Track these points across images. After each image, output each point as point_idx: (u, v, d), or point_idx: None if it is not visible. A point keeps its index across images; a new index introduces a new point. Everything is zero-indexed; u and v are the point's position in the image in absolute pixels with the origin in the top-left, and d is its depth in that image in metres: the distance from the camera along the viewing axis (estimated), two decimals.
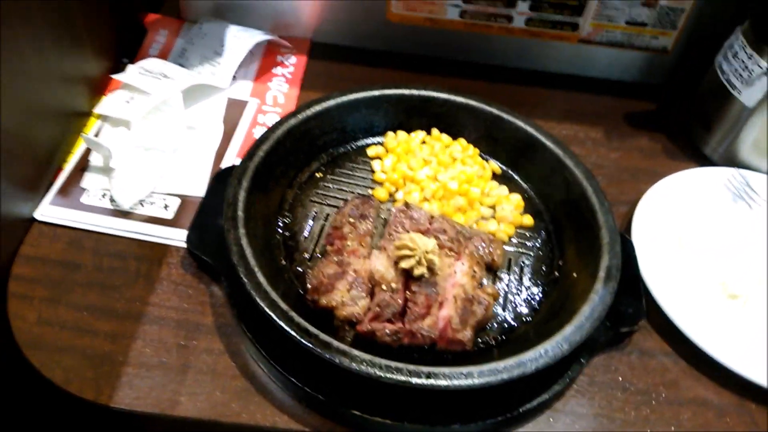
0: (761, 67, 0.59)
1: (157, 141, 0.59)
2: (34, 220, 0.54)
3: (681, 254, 0.56)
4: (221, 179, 0.53)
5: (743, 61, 0.61)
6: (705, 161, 0.66)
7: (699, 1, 0.67)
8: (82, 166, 0.58)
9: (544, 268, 0.53)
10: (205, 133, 0.62)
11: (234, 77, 0.67)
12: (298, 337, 0.41)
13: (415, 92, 0.60)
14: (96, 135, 0.60)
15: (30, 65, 0.51)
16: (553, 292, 0.51)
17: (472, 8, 0.69)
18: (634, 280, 0.51)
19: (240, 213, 0.48)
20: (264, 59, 0.70)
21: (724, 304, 0.53)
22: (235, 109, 0.65)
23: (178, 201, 0.56)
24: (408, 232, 0.49)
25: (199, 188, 0.57)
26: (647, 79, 0.74)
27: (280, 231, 0.53)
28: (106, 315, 0.49)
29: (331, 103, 0.58)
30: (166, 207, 0.56)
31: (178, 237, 0.54)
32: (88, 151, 0.59)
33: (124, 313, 0.49)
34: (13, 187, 0.51)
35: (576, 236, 0.53)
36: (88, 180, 0.57)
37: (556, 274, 0.53)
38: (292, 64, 0.71)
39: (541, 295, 0.51)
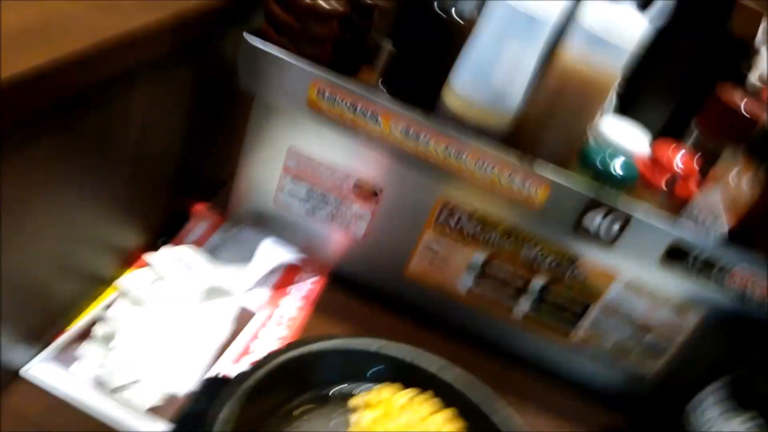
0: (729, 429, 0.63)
1: (164, 330, 0.62)
2: (19, 374, 0.55)
3: None
4: (207, 389, 0.56)
5: (711, 419, 0.65)
6: None
7: (682, 347, 0.73)
8: (84, 333, 0.60)
9: None
10: (208, 334, 0.65)
11: (255, 283, 0.72)
12: None
13: (407, 360, 0.64)
14: (108, 306, 0.63)
15: (77, 227, 0.55)
16: None
17: (479, 291, 0.75)
18: None
19: None
20: (284, 276, 0.76)
21: None
22: (242, 317, 0.69)
23: (160, 394, 0.58)
24: None
25: (185, 386, 0.59)
26: (626, 397, 0.78)
27: None
28: None
29: (329, 345, 0.61)
30: (146, 397, 0.57)
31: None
32: (94, 321, 0.62)
33: None
34: (15, 336, 0.53)
35: None
36: (86, 349, 0.59)
37: None
38: (308, 287, 0.76)
39: None
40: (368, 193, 0.72)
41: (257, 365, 0.57)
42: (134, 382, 0.58)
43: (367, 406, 0.62)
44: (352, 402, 0.62)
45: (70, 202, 0.53)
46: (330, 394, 0.62)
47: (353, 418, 0.61)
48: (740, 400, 0.63)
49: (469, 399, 0.63)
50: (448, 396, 0.64)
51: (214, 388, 0.55)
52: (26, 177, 0.45)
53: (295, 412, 0.60)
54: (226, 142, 0.82)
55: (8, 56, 0.39)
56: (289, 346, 0.60)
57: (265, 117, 0.70)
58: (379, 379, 0.64)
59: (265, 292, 0.73)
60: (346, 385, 0.63)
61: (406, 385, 0.64)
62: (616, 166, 0.62)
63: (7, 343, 0.52)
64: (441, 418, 0.63)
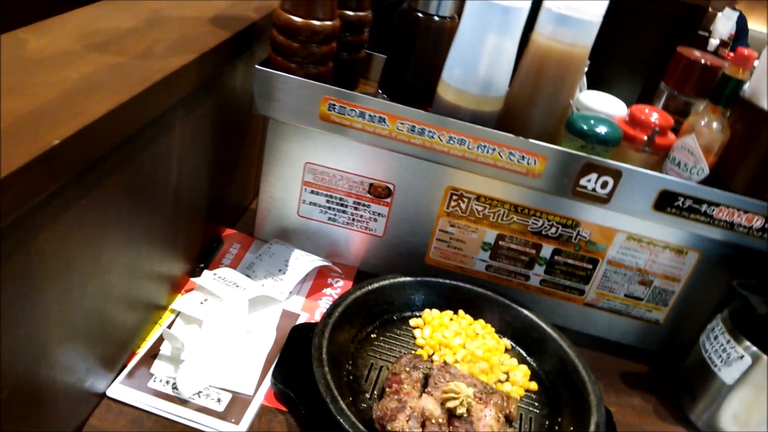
0: (737, 352, 0.70)
1: (221, 340, 0.68)
2: (104, 395, 0.61)
3: None
4: (297, 334, 0.70)
5: (722, 344, 0.72)
6: (690, 426, 0.74)
7: (686, 287, 0.80)
8: (153, 353, 0.66)
9: (547, 423, 0.68)
10: (260, 338, 0.71)
11: (290, 292, 0.78)
12: None
13: (446, 282, 0.80)
14: (169, 327, 0.70)
15: (135, 260, 0.62)
16: None
17: (496, 264, 0.82)
18: None
19: (324, 356, 0.63)
20: (316, 280, 0.82)
21: None
22: (287, 320, 0.75)
23: (229, 396, 0.64)
24: (448, 383, 0.63)
25: (249, 386, 0.65)
26: (642, 344, 0.85)
27: (345, 375, 0.67)
28: None
29: (385, 282, 0.77)
30: (218, 400, 0.63)
31: (225, 430, 0.61)
32: (159, 341, 0.68)
33: None
34: (96, 364, 0.59)
35: (571, 400, 0.69)
36: (157, 367, 0.65)
37: (557, 428, 0.67)
38: (339, 287, 0.82)
39: None
40: (382, 192, 0.79)
41: (336, 304, 0.71)
42: (204, 389, 0.64)
43: (424, 323, 0.77)
44: (412, 322, 0.77)
45: (130, 237, 0.59)
46: (393, 319, 0.77)
47: (417, 333, 0.76)
48: (742, 325, 0.70)
49: (500, 301, 0.79)
50: (482, 307, 0.79)
51: (302, 332, 0.70)
52: (101, 213, 0.51)
53: (372, 335, 0.74)
54: (243, 170, 0.89)
55: (79, 106, 0.45)
56: (355, 288, 0.75)
57: (281, 138, 0.77)
58: (424, 306, 0.79)
59: (302, 297, 0.79)
60: (402, 312, 0.78)
61: (446, 307, 0.79)
62: (602, 130, 0.69)
63: (90, 370, 0.58)
64: (479, 325, 0.77)
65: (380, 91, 0.79)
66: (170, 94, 0.55)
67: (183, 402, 0.62)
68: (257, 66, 0.69)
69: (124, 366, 0.64)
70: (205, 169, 0.73)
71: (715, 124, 0.70)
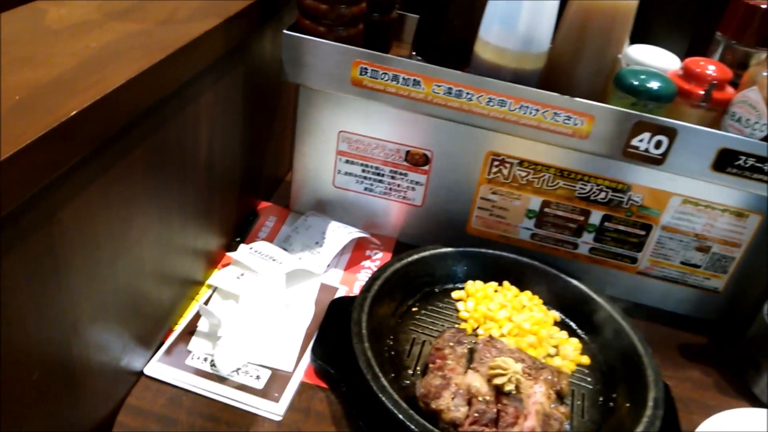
0: None
1: (259, 315, 0.66)
2: (142, 373, 0.60)
3: None
4: (336, 308, 0.69)
5: None
6: (755, 401, 0.70)
7: (748, 253, 0.75)
8: (190, 330, 0.65)
9: (601, 399, 0.65)
10: (298, 313, 0.69)
11: (328, 265, 0.76)
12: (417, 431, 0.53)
13: (490, 252, 0.76)
14: (206, 303, 0.68)
15: (168, 234, 0.60)
16: (609, 418, 0.62)
17: (542, 233, 0.78)
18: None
19: (364, 331, 0.61)
20: (355, 252, 0.80)
21: None
22: (326, 294, 0.73)
23: (269, 373, 0.63)
24: (495, 358, 0.60)
25: (288, 363, 0.64)
26: (700, 314, 0.80)
27: (386, 351, 0.65)
28: None
29: (426, 253, 0.74)
30: (257, 377, 0.62)
31: (265, 407, 0.59)
32: (196, 318, 0.67)
33: None
34: (131, 341, 0.58)
35: (626, 375, 0.65)
36: (194, 344, 0.64)
37: (611, 404, 0.64)
38: (378, 259, 0.80)
39: (600, 420, 0.62)
40: (420, 159, 0.75)
41: (374, 276, 0.69)
42: (243, 366, 0.62)
43: (467, 295, 0.74)
44: (455, 295, 0.74)
45: (162, 210, 0.58)
46: (435, 292, 0.75)
47: (459, 305, 0.73)
48: None
49: (547, 271, 0.75)
50: (528, 277, 0.75)
51: (341, 306, 0.68)
52: (126, 186, 0.50)
53: (413, 309, 0.72)
54: (277, 141, 0.87)
55: (99, 75, 0.43)
56: (395, 260, 0.72)
57: (313, 106, 0.74)
58: (467, 278, 0.76)
59: (341, 270, 0.77)
60: (444, 284, 0.75)
61: (490, 278, 0.76)
62: (654, 85, 0.64)
63: (126, 349, 0.57)
64: (525, 296, 0.74)
65: (414, 53, 0.75)
66: (194, 62, 0.53)
67: (221, 379, 0.61)
68: (285, 31, 0.66)
69: (161, 343, 0.64)
70: (237, 140, 0.71)
71: None
